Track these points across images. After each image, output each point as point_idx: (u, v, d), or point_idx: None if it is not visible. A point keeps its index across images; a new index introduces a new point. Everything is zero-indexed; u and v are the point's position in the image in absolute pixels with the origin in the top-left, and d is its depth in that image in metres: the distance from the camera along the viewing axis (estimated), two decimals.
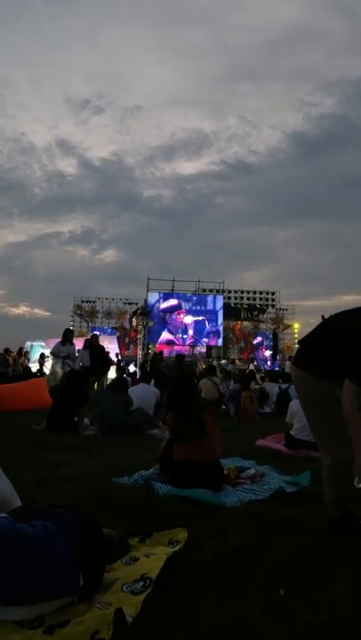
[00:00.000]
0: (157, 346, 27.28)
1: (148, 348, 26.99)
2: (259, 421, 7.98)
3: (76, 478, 3.61)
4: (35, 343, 24.19)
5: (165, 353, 26.59)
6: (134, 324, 28.18)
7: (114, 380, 7.87)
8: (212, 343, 28.04)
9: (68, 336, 10.60)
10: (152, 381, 8.20)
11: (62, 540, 1.67)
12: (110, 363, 11.95)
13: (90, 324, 31.03)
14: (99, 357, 10.18)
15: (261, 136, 78.95)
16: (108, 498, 3.03)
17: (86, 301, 31.35)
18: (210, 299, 28.77)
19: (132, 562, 2.03)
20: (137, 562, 2.01)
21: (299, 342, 3.73)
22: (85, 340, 11.10)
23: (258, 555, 2.19)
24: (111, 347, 21.68)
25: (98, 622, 1.48)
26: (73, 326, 31.55)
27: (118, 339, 27.03)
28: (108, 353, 18.33)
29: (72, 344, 10.67)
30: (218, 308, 28.43)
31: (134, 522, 2.59)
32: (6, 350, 20.76)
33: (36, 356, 21.80)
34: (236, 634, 1.57)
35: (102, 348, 10.69)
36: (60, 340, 10.69)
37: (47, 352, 20.46)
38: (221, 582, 1.93)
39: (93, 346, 10.31)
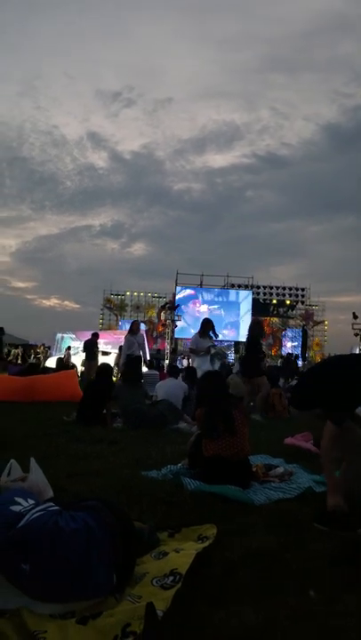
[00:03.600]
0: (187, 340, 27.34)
1: (176, 343, 27.05)
2: (287, 419, 7.90)
3: (105, 471, 3.67)
4: (65, 335, 24.59)
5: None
6: (162, 318, 28.28)
7: (124, 373, 7.78)
8: (232, 334, 27.76)
9: (207, 327, 8.75)
10: (180, 376, 8.23)
11: (100, 536, 1.70)
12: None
13: (119, 317, 31.28)
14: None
15: (294, 128, 77.97)
16: (138, 491, 3.07)
17: (115, 294, 31.61)
18: (231, 292, 28.66)
19: (161, 556, 2.06)
20: (167, 556, 2.03)
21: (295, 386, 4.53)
22: (132, 324, 10.38)
23: (286, 555, 2.19)
24: None
25: (130, 615, 1.51)
26: (102, 319, 31.95)
27: (146, 332, 27.23)
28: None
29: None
30: (240, 300, 28.24)
31: (163, 516, 2.63)
32: (32, 346, 21.35)
33: (64, 348, 22.21)
34: (263, 634, 1.58)
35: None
36: (125, 331, 9.67)
37: (76, 344, 20.86)
38: (249, 581, 1.93)
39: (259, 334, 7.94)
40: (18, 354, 21.77)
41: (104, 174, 70.97)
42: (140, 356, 9.87)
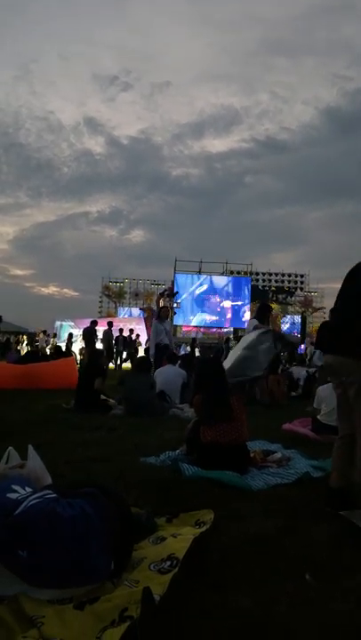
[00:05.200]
0: (184, 327, 27.40)
1: (175, 330, 27.07)
2: (285, 405, 7.93)
3: (104, 457, 3.68)
4: (64, 323, 24.57)
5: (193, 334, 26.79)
6: (161, 305, 28.23)
7: (137, 361, 7.90)
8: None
9: (266, 312, 7.89)
10: (177, 362, 8.23)
11: (98, 522, 1.71)
12: None
13: (117, 304, 31.24)
14: None
15: (293, 112, 77.29)
16: (136, 477, 3.08)
17: (114, 282, 31.55)
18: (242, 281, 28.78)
19: (159, 541, 2.07)
20: (164, 541, 2.04)
21: (328, 329, 3.59)
22: (161, 309, 9.85)
23: (284, 540, 2.20)
24: (139, 327, 21.89)
25: (127, 600, 1.52)
26: (101, 307, 31.92)
27: (145, 320, 27.23)
28: (138, 335, 18.24)
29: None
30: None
31: (161, 502, 2.64)
32: (44, 332, 21.26)
33: (64, 335, 22.21)
34: (262, 620, 1.58)
35: None
36: (156, 318, 9.09)
37: (75, 332, 20.86)
38: (247, 567, 1.94)
39: None
40: (53, 343, 21.55)
41: (101, 160, 70.56)
42: (168, 345, 9.43)
